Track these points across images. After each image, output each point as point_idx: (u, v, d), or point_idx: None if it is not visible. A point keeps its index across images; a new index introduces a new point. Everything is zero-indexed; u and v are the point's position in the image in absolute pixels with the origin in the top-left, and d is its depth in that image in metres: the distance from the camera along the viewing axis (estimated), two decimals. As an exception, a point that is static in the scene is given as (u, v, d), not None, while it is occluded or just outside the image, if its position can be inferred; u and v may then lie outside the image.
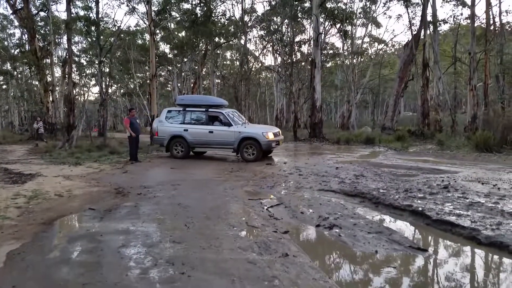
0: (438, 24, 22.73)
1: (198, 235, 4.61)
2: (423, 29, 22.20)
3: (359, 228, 4.95)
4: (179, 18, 29.50)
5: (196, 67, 36.92)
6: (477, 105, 20.23)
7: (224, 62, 45.41)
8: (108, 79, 30.68)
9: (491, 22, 21.70)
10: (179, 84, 40.22)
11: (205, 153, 14.41)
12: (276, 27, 32.11)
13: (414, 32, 22.56)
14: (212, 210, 5.84)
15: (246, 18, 33.73)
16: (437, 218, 5.12)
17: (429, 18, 22.01)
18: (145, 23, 27.02)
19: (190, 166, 11.51)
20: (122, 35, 29.78)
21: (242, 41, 34.90)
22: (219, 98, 16.67)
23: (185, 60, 37.82)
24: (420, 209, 5.54)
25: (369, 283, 3.66)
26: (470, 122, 19.41)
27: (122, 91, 48.73)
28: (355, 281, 3.73)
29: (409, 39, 22.77)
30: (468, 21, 22.06)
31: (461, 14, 29.33)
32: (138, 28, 35.45)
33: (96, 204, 6.37)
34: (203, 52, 34.64)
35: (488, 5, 20.61)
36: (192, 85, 38.09)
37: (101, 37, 27.72)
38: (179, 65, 39.01)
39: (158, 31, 30.84)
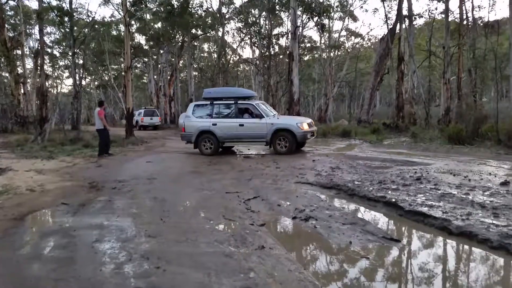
0: (413, 18, 23.09)
1: (174, 229, 4.58)
2: (398, 23, 22.53)
3: (334, 219, 5.01)
4: (155, 9, 29.03)
5: (173, 59, 36.47)
6: (451, 98, 20.73)
7: (202, 55, 45.04)
8: (82, 71, 29.97)
9: (464, 17, 22.22)
10: (155, 76, 39.67)
11: (233, 148, 13.88)
12: (254, 19, 31.99)
13: (390, 26, 22.92)
14: (188, 204, 5.81)
15: (224, 10, 33.53)
16: (409, 209, 5.22)
17: (404, 12, 22.33)
18: (120, 14, 26.51)
19: (166, 159, 11.42)
20: (96, 26, 29.09)
21: (220, 33, 34.67)
22: (247, 89, 16.03)
23: (162, 52, 37.29)
24: (393, 200, 5.64)
25: (343, 273, 3.72)
26: (443, 115, 19.87)
27: (96, 83, 47.77)
28: (330, 272, 3.79)
29: (385, 33, 23.10)
30: (443, 15, 22.53)
31: (436, 8, 29.89)
32: (113, 19, 34.71)
33: (70, 198, 6.24)
34: (180, 44, 34.21)
35: (461, 0, 21.09)
36: (169, 77, 37.68)
37: (75, 28, 27.02)
38: (155, 57, 38.43)
39: (133, 22, 30.26)
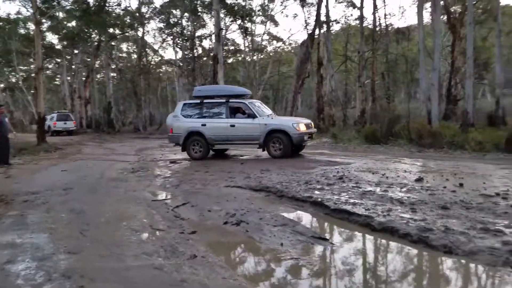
0: (331, 24, 24.27)
1: (97, 243, 4.26)
2: (317, 29, 23.52)
3: (265, 222, 5.03)
4: (68, 7, 27.22)
5: (89, 60, 34.57)
6: (366, 101, 22.14)
7: (120, 55, 43.19)
8: (-17, 72, 27.14)
9: (377, 23, 23.89)
10: (69, 78, 37.30)
11: (226, 151, 12.98)
12: (175, 20, 31.42)
13: (309, 32, 23.82)
14: (111, 215, 5.47)
15: (144, 9, 32.47)
16: (335, 208, 5.40)
17: (322, 18, 23.37)
18: (28, 11, 24.44)
19: (84, 167, 10.70)
20: (0, 23, 26.50)
21: (140, 33, 33.53)
22: (240, 87, 14.66)
23: (76, 52, 35.16)
24: (319, 199, 5.81)
25: (277, 276, 3.73)
26: (359, 116, 21.17)
27: (2, 85, 43.52)
28: (264, 275, 3.78)
29: (305, 38, 23.99)
30: (358, 22, 23.99)
31: (351, 15, 31.68)
32: (20, 16, 31.81)
33: (-28, 215, 5.55)
34: (96, 43, 32.49)
35: (375, 7, 22.66)
36: (84, 78, 35.69)
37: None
38: (69, 57, 36.14)
39: (44, 20, 28.08)
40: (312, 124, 12.47)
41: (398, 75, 27.30)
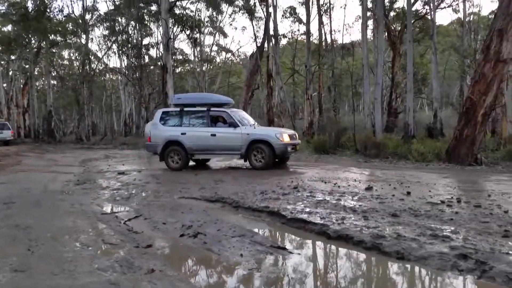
0: (279, 38, 24.79)
1: (47, 260, 3.98)
2: (266, 42, 23.94)
3: (223, 233, 4.96)
4: (4, 11, 25.68)
5: (27, 66, 32.73)
6: (313, 113, 22.77)
7: (62, 62, 41.31)
8: None
9: (324, 39, 24.78)
10: (5, 85, 35.02)
11: (208, 161, 12.46)
12: (121, 28, 30.67)
13: (258, 44, 24.17)
14: (59, 230, 5.14)
15: (88, 16, 31.37)
16: (291, 217, 5.47)
17: (271, 32, 23.82)
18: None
19: (25, 180, 10.03)
20: None
21: (83, 40, 32.29)
22: (223, 96, 14.06)
23: (13, 57, 33.17)
24: (276, 209, 5.85)
25: (238, 287, 3.68)
26: (307, 127, 21.72)
27: None
28: (225, 287, 3.72)
29: (254, 51, 24.31)
30: (304, 37, 24.70)
31: (298, 30, 32.63)
32: None
33: None
34: (35, 50, 30.85)
35: (321, 23, 23.49)
36: (22, 86, 33.72)
37: None
38: (4, 62, 34.06)
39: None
40: (297, 135, 12.20)
41: (343, 89, 28.39)
